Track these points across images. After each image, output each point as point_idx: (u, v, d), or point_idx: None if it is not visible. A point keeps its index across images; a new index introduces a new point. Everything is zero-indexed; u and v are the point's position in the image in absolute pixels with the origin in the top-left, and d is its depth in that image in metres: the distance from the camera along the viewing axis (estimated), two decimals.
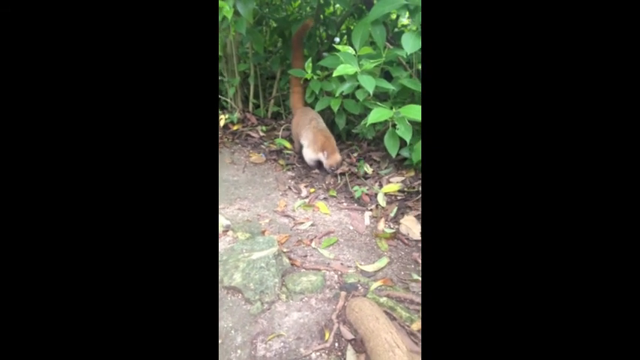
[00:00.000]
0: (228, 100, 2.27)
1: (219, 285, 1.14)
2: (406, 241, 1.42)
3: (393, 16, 1.96)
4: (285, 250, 1.33)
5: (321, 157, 1.76)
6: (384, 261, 1.30)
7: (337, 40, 2.23)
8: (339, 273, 1.23)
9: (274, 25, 2.20)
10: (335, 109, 1.78)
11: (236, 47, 2.12)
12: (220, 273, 1.16)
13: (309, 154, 1.81)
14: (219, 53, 2.07)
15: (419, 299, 1.11)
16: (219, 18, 1.74)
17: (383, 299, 1.10)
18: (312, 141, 1.78)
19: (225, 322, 1.04)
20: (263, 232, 1.43)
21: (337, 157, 1.74)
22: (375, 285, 1.16)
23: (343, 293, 1.13)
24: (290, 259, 1.28)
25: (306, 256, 1.32)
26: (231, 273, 1.15)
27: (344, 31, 2.28)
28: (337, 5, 2.20)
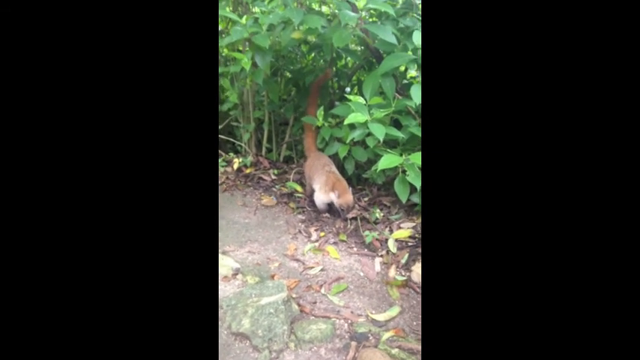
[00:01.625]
0: (243, 145, 2.35)
1: (228, 331, 1.12)
2: (418, 289, 1.38)
3: (402, 69, 2.07)
4: (294, 295, 1.31)
5: (333, 196, 1.77)
6: (395, 310, 1.26)
7: (348, 90, 2.34)
8: (350, 321, 1.20)
9: (289, 76, 2.33)
10: (342, 155, 1.83)
11: (252, 96, 2.24)
12: (228, 318, 1.14)
13: (321, 197, 1.83)
14: (236, 101, 2.18)
15: None
16: (238, 69, 1.86)
17: (394, 351, 1.06)
18: (323, 184, 1.80)
19: None
20: (272, 277, 1.41)
21: (349, 197, 1.75)
22: (386, 335, 1.13)
23: (354, 343, 1.09)
24: (299, 305, 1.25)
25: (315, 302, 1.29)
26: (239, 318, 1.13)
27: (355, 82, 2.40)
28: (349, 58, 2.34)
